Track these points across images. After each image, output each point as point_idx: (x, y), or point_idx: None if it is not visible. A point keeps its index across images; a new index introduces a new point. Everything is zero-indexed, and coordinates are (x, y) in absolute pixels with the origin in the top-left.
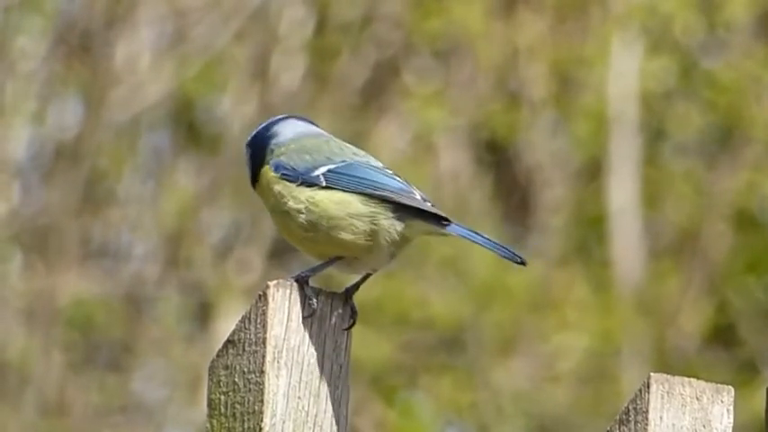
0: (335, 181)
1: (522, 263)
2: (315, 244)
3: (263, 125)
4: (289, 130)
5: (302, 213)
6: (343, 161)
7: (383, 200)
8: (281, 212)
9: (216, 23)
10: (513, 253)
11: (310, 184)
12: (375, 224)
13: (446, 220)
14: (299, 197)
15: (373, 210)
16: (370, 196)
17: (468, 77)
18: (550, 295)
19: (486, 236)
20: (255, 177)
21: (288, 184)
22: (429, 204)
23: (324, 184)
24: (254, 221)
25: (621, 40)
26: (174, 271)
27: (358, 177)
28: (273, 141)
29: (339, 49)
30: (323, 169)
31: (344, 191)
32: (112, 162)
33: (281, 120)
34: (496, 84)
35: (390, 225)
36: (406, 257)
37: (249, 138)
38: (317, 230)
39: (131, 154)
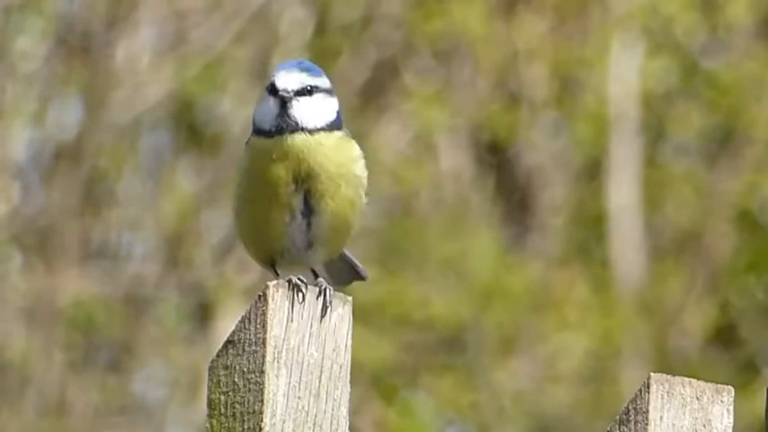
0: None
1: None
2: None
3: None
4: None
5: (364, 198)
6: None
7: None
8: (351, 185)
9: (216, 24)
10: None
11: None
12: None
13: None
14: (365, 186)
15: None
16: None
17: (469, 78)
18: (551, 295)
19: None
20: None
21: (365, 171)
22: None
23: None
24: None
25: (622, 41)
26: (174, 271)
27: None
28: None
29: (339, 50)
30: None
31: None
32: (112, 162)
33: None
34: (497, 84)
35: None
36: (406, 258)
37: (313, 77)
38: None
39: (131, 154)
